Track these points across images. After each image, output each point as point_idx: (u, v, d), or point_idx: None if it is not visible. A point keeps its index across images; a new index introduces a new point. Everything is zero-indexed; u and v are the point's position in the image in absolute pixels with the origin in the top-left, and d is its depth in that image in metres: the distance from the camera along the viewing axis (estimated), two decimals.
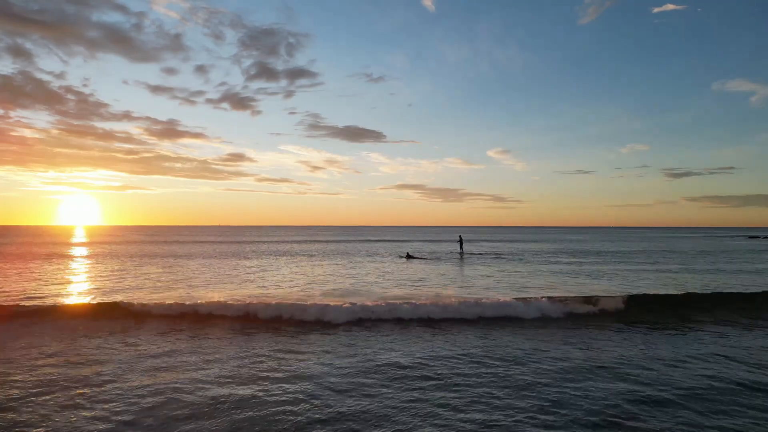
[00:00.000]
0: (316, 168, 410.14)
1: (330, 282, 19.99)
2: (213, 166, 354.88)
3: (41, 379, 7.72)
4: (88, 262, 30.34)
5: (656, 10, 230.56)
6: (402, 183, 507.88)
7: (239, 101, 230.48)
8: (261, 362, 8.72)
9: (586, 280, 21.28)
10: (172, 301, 13.91)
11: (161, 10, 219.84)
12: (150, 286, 18.43)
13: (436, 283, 19.55)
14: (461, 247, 44.64)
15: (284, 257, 35.18)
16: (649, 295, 15.95)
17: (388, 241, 68.20)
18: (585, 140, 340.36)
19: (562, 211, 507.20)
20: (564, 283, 19.96)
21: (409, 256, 36.50)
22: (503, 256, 36.90)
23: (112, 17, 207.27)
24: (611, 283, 19.90)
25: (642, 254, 40.11)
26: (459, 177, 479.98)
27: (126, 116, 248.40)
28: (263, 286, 18.43)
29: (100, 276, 22.18)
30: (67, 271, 24.17)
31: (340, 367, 8.41)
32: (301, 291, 17.10)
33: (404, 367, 8.40)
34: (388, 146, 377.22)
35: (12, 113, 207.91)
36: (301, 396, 6.97)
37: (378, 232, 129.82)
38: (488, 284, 19.41)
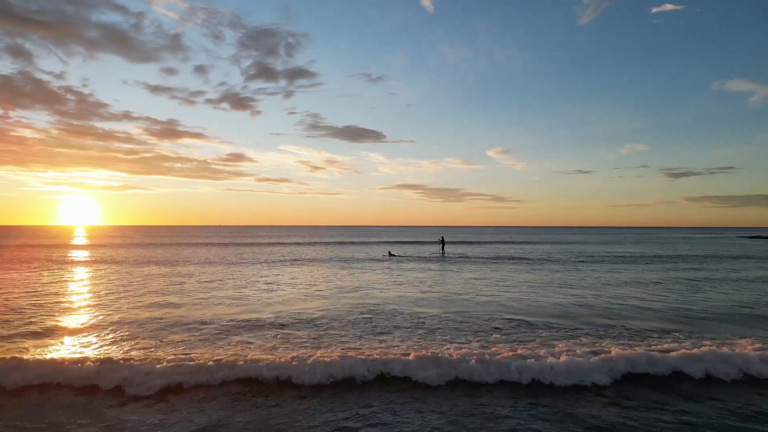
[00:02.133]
0: (316, 168, 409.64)
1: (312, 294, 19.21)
2: (213, 166, 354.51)
3: None
4: (72, 275, 29.62)
5: (655, 10, 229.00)
6: (402, 183, 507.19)
7: (239, 101, 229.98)
8: None
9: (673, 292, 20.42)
10: None
11: (160, 11, 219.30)
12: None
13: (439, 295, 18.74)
14: (443, 248, 44.91)
15: (277, 263, 34.43)
16: None
17: (384, 243, 67.37)
18: (585, 140, 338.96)
19: (562, 212, 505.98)
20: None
21: (391, 255, 39.81)
22: (502, 260, 35.49)
23: (112, 17, 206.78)
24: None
25: (666, 258, 39.24)
26: (459, 177, 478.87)
27: (126, 116, 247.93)
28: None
29: (64, 301, 21.27)
30: (32, 292, 23.36)
31: None
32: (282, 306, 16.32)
33: None
34: (387, 146, 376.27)
35: (12, 113, 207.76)
36: None
37: (377, 233, 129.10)
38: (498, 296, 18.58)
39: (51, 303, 15.98)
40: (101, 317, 13.58)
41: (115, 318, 13.42)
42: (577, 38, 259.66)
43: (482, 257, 38.58)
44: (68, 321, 13.08)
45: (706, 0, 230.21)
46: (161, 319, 13.28)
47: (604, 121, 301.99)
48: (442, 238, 47.74)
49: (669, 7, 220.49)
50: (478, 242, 68.33)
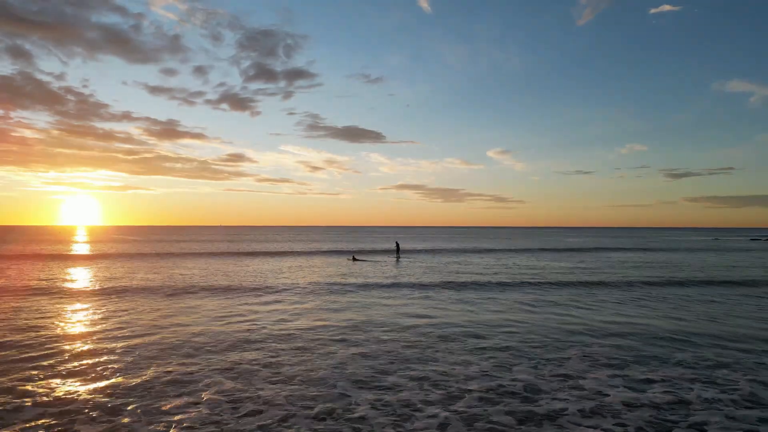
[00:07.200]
0: (315, 168, 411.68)
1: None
2: (213, 167, 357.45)
3: None
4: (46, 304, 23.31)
5: (653, 10, 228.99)
6: (402, 183, 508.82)
7: (238, 102, 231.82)
8: None
9: None
10: None
11: (159, 12, 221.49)
12: None
13: None
14: (398, 252, 46.35)
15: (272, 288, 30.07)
16: None
17: (373, 247, 67.49)
18: (584, 140, 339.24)
19: (562, 212, 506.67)
20: None
21: (355, 259, 41.22)
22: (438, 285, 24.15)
23: (111, 18, 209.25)
24: None
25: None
26: (459, 177, 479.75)
27: (126, 117, 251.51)
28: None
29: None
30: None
31: None
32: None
33: None
34: (387, 146, 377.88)
35: (12, 114, 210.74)
36: None
37: (374, 234, 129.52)
38: None
39: None
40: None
41: None
42: (575, 39, 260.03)
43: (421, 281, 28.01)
44: None
45: (704, 0, 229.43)
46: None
47: (604, 122, 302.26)
48: (397, 243, 49.91)
49: (667, 7, 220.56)
50: (456, 250, 66.22)
